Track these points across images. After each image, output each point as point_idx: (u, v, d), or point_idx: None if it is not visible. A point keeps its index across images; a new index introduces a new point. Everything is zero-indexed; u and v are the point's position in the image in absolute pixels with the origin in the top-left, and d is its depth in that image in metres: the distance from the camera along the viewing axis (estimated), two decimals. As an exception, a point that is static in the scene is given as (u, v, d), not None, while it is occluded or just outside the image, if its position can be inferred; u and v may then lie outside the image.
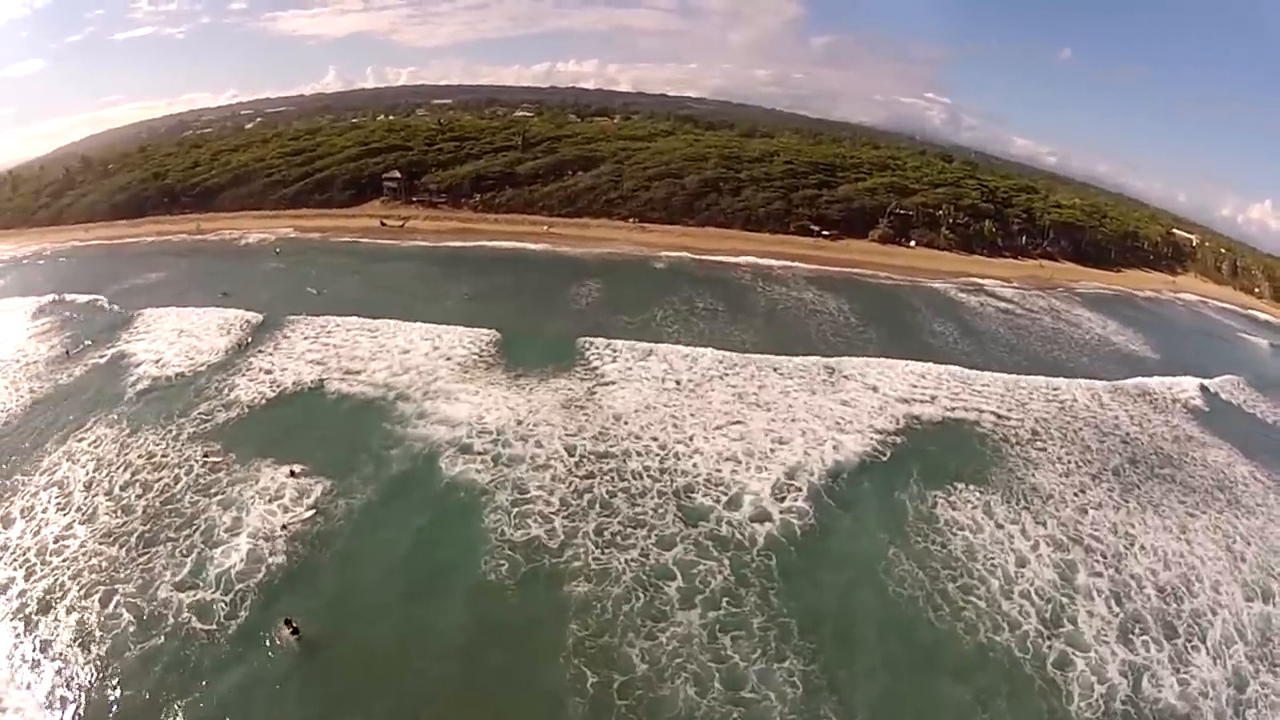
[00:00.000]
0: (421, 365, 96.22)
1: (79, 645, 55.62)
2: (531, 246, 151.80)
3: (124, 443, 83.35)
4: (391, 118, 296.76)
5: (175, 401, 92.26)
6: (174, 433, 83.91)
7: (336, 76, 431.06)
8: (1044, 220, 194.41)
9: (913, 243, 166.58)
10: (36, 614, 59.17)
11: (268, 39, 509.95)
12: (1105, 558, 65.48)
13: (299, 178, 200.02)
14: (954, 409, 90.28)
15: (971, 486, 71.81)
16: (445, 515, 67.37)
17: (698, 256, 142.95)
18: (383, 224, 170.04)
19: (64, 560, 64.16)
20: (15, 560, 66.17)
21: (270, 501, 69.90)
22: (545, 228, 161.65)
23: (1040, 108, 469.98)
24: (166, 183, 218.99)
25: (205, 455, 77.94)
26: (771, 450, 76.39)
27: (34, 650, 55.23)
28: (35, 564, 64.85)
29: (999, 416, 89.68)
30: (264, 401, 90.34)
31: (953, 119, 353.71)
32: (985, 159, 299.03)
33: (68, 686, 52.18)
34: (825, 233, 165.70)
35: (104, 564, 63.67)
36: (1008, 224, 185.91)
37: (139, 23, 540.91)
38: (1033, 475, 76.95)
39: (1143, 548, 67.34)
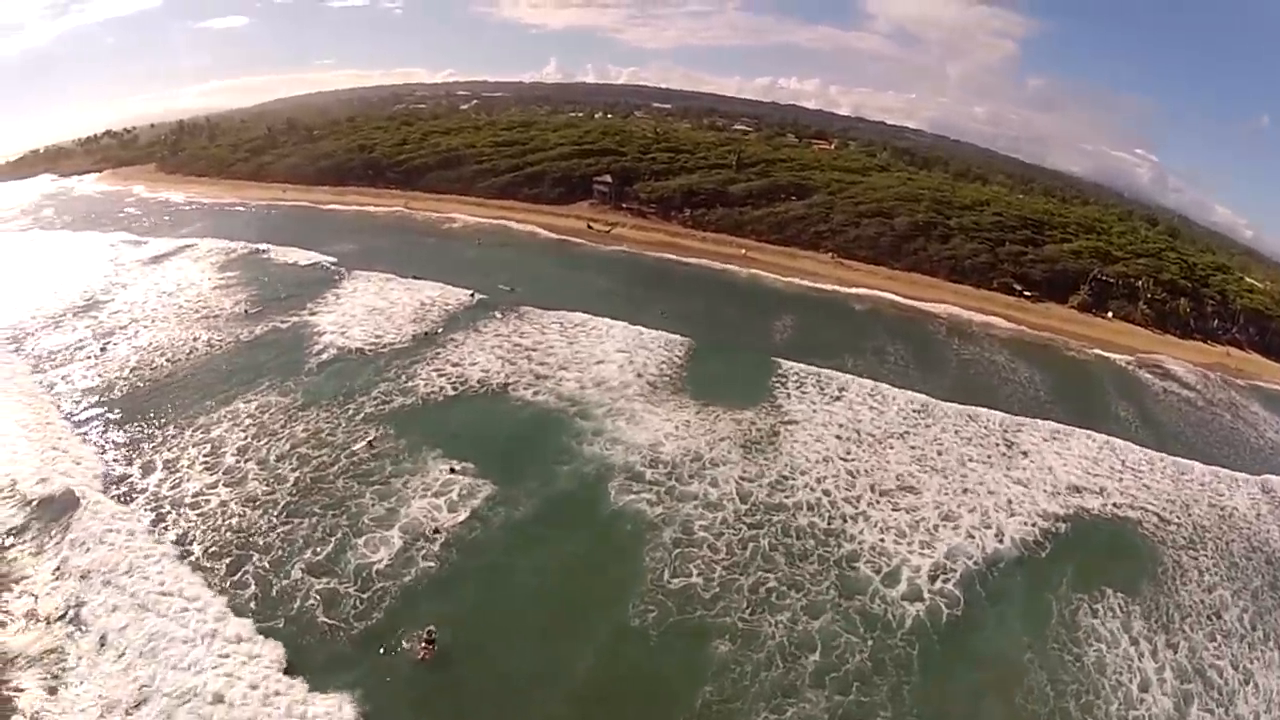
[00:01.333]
0: (611, 380, 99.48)
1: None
2: (734, 270, 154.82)
3: (292, 413, 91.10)
4: (609, 117, 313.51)
5: (354, 379, 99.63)
6: (346, 411, 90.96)
7: (557, 68, 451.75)
8: (1236, 304, 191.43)
9: (1110, 314, 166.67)
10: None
11: (489, 23, 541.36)
12: (1219, 695, 64.27)
13: (510, 169, 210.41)
14: (1121, 504, 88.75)
15: (1119, 594, 71.68)
16: (605, 546, 70.32)
17: (897, 302, 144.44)
18: (590, 226, 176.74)
19: (198, 516, 70.92)
20: (144, 505, 73.49)
21: (429, 499, 74.44)
22: (743, 251, 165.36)
23: (1244, 176, 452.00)
24: (373, 156, 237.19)
25: (371, 440, 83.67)
26: (938, 526, 77.32)
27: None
28: (166, 513, 71.78)
29: (1161, 519, 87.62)
30: (443, 396, 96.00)
31: (1159, 178, 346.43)
32: (1186, 224, 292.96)
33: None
34: (1027, 293, 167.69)
35: (239, 529, 69.96)
36: (1202, 304, 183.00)
37: None
38: (1178, 589, 75.56)
39: (1256, 686, 65.35)
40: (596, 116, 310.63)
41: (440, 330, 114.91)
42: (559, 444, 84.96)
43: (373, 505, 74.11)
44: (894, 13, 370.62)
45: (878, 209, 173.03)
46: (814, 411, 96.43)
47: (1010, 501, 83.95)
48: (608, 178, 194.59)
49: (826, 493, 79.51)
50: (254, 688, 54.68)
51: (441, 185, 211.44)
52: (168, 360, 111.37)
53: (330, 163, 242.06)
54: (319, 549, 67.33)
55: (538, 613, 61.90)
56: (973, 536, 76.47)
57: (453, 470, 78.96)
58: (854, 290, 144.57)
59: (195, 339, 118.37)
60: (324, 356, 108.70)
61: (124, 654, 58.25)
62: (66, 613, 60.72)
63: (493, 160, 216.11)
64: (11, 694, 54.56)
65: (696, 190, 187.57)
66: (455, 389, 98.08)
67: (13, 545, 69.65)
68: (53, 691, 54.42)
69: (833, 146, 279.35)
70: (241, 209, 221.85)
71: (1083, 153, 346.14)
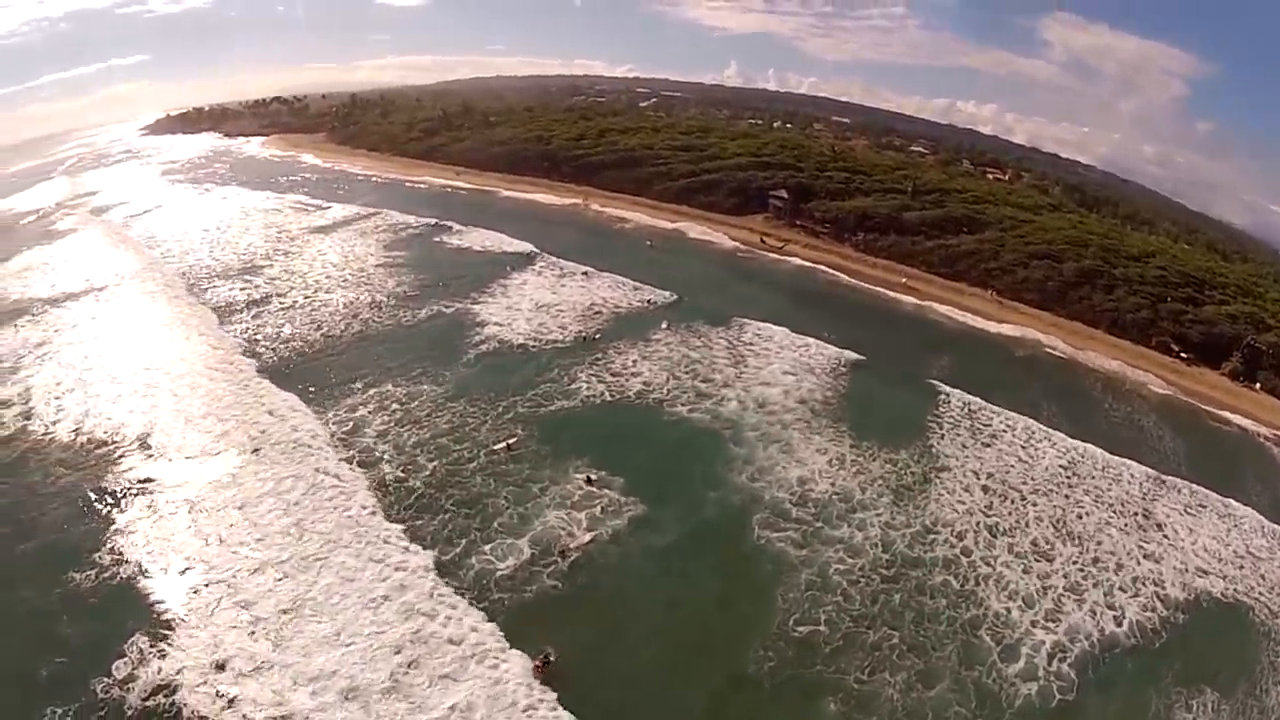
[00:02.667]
0: (773, 403, 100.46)
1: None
2: (901, 299, 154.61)
3: (440, 403, 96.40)
4: (789, 127, 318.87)
5: (510, 375, 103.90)
6: (496, 408, 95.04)
7: (738, 72, 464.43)
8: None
9: (1258, 384, 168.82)
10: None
11: (670, 21, 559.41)
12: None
13: (686, 174, 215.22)
14: (1244, 591, 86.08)
15: (1214, 693, 70.97)
16: (740, 584, 71.80)
17: (1056, 350, 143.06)
18: (763, 241, 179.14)
19: None
20: None
21: (566, 511, 77.44)
22: (904, 280, 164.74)
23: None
24: (550, 148, 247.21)
25: (511, 442, 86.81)
26: (1063, 598, 77.27)
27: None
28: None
29: (1272, 611, 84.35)
30: (599, 401, 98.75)
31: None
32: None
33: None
34: (1183, 354, 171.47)
35: (360, 515, 77.06)
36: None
37: None
38: (1269, 690, 74.22)
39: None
40: (775, 126, 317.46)
41: (605, 334, 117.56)
42: (710, 469, 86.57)
43: (506, 509, 77.74)
44: (1070, 42, 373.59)
45: (1046, 251, 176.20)
46: (965, 458, 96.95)
47: (1137, 580, 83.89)
48: (783, 193, 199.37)
49: (965, 550, 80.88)
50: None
51: (616, 184, 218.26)
52: (323, 335, 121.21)
53: (505, 150, 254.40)
54: (446, 549, 72.39)
55: (659, 648, 64.05)
56: (1094, 614, 76.96)
57: (589, 480, 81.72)
58: (1015, 333, 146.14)
59: (355, 316, 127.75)
60: (483, 348, 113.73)
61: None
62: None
63: (670, 164, 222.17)
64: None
65: (870, 214, 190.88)
66: (613, 397, 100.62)
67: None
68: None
69: (1006, 177, 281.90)
70: (413, 188, 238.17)
71: (1244, 204, 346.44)
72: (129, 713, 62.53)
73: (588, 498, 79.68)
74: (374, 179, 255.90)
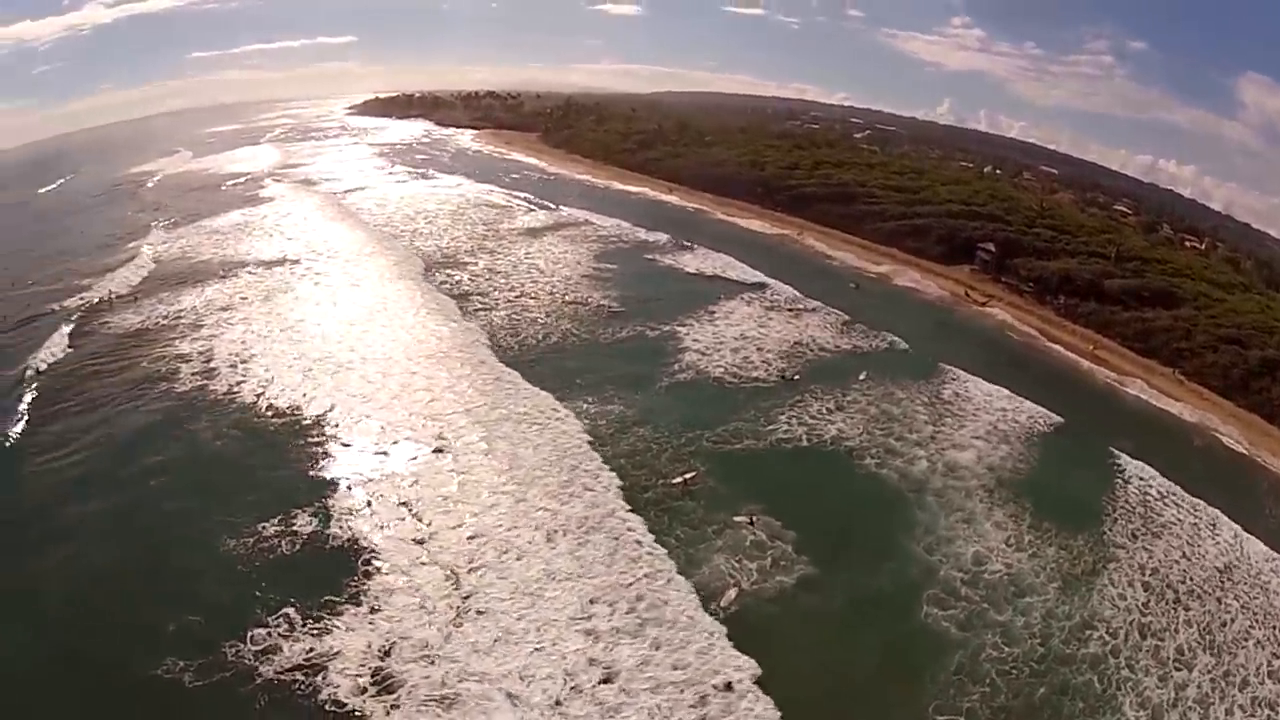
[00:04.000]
0: (962, 468, 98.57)
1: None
2: (1094, 370, 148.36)
3: (625, 426, 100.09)
4: (998, 173, 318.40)
5: (703, 408, 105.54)
6: (680, 439, 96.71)
7: (950, 110, 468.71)
8: None
9: None
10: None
11: (886, 52, 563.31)
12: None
13: (897, 216, 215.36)
14: None
15: None
16: (894, 663, 71.67)
17: (1235, 445, 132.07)
18: (966, 294, 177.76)
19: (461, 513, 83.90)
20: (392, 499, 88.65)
21: (733, 559, 78.72)
22: (1092, 347, 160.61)
23: None
24: (763, 174, 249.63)
25: (689, 477, 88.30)
26: (1190, 712, 75.16)
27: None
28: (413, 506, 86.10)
29: None
30: (789, 447, 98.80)
31: None
32: None
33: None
34: None
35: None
36: None
37: (750, 1, 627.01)
38: None
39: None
40: (985, 170, 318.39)
41: (806, 375, 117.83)
42: (890, 534, 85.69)
43: (675, 548, 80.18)
44: (1265, 105, 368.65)
45: (1234, 335, 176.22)
46: (1135, 549, 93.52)
47: (1255, 701, 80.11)
48: (990, 245, 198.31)
49: (1115, 650, 78.87)
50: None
51: (827, 218, 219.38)
52: (517, 342, 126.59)
53: (719, 172, 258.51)
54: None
55: (790, 720, 64.21)
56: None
57: (751, 521, 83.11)
58: (1194, 419, 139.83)
59: (554, 327, 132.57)
60: (679, 377, 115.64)
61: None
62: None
63: (882, 204, 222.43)
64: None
65: (1073, 277, 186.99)
66: (804, 444, 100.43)
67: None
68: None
69: (1203, 246, 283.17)
70: (626, 200, 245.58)
71: None
72: (256, 680, 66.13)
73: (759, 547, 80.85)
74: (587, 186, 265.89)
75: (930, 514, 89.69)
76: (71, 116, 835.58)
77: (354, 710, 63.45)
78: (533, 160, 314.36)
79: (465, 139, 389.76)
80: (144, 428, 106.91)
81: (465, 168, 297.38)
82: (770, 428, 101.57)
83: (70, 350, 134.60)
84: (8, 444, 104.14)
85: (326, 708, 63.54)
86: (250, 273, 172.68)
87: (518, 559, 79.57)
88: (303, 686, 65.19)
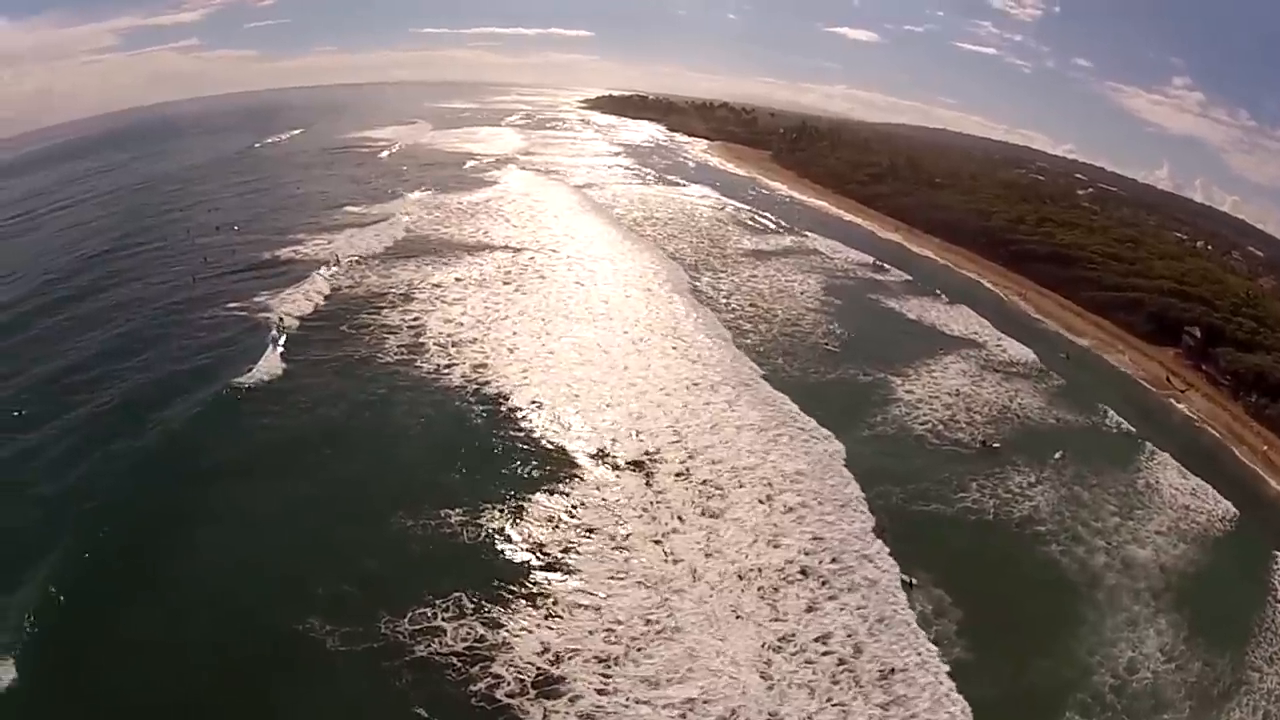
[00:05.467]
0: (1137, 566, 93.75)
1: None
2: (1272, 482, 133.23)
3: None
4: (1209, 249, 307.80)
5: (896, 461, 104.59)
6: (869, 493, 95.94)
7: (1168, 175, 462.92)
8: None
9: None
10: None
11: (1110, 107, 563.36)
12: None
13: (1112, 286, 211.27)
14: None
15: None
16: None
17: None
18: (1169, 379, 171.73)
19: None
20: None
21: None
22: (1265, 449, 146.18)
23: None
24: (988, 225, 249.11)
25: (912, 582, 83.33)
26: None
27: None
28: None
29: None
30: (975, 518, 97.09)
31: None
32: None
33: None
34: None
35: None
36: None
37: (983, 40, 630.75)
38: None
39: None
40: (1198, 245, 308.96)
41: (1008, 444, 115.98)
42: (1054, 628, 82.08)
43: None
44: None
45: None
46: (1269, 673, 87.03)
47: None
48: (1196, 330, 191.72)
49: None
50: None
51: (1044, 278, 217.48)
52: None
53: (945, 217, 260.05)
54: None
55: None
56: None
57: (912, 583, 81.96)
58: None
59: (765, 358, 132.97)
60: (881, 429, 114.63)
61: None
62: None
63: (1098, 271, 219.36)
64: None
65: (1268, 375, 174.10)
66: (990, 518, 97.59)
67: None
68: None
69: None
70: (854, 233, 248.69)
71: None
72: (406, 657, 66.65)
73: (923, 621, 78.14)
74: (816, 213, 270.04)
75: (1098, 612, 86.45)
76: (286, 72, 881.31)
77: (506, 706, 63.91)
78: (764, 179, 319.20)
79: (698, 148, 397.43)
80: (343, 392, 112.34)
81: (698, 178, 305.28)
82: (960, 495, 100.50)
83: (310, 306, 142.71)
84: (224, 392, 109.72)
85: (475, 699, 64.30)
86: (491, 254, 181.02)
87: (711, 592, 78.82)
88: (457, 672, 66.05)
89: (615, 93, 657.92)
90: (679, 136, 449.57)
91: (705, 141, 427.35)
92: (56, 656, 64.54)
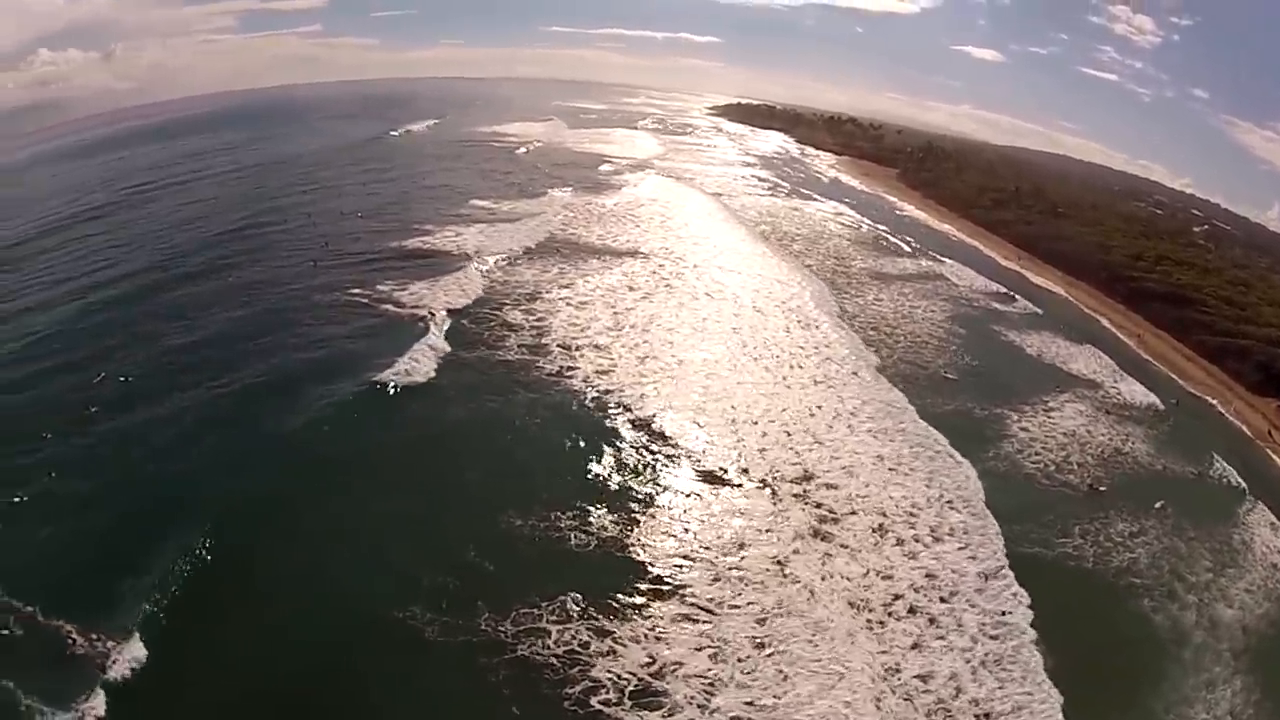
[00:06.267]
0: (1222, 626, 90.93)
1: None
2: None
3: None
4: None
5: (1003, 501, 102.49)
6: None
7: (1278, 215, 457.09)
8: None
9: None
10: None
11: (1224, 141, 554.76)
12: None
13: (1223, 331, 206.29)
14: None
15: None
16: None
17: None
18: (1270, 433, 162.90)
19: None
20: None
21: None
22: None
23: None
24: (1107, 259, 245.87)
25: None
26: None
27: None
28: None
29: None
30: (1074, 564, 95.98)
31: None
32: None
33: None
34: None
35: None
36: None
37: (1105, 66, 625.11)
38: None
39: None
40: None
41: (1115, 488, 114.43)
42: (1136, 684, 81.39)
43: None
44: None
45: None
46: None
47: None
48: None
49: None
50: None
51: (1160, 319, 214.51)
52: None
53: (1066, 248, 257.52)
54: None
55: None
56: None
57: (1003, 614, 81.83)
58: None
59: (877, 391, 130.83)
60: (991, 465, 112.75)
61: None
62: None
63: (1211, 315, 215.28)
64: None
65: None
66: (1091, 564, 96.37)
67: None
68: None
69: None
70: (979, 259, 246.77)
71: None
72: (504, 655, 67.82)
73: (1022, 669, 77.66)
74: (940, 236, 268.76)
75: (1181, 670, 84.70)
76: (409, 63, 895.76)
77: (600, 713, 64.14)
78: (891, 198, 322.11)
79: (826, 162, 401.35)
80: (459, 387, 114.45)
81: (826, 193, 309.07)
82: (1063, 540, 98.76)
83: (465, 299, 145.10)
84: (341, 382, 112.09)
85: (569, 703, 64.54)
86: (620, 259, 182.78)
87: (822, 619, 78.67)
88: (554, 675, 66.42)
89: (743, 101, 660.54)
90: (807, 149, 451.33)
91: (833, 156, 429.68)
92: (176, 633, 67.65)
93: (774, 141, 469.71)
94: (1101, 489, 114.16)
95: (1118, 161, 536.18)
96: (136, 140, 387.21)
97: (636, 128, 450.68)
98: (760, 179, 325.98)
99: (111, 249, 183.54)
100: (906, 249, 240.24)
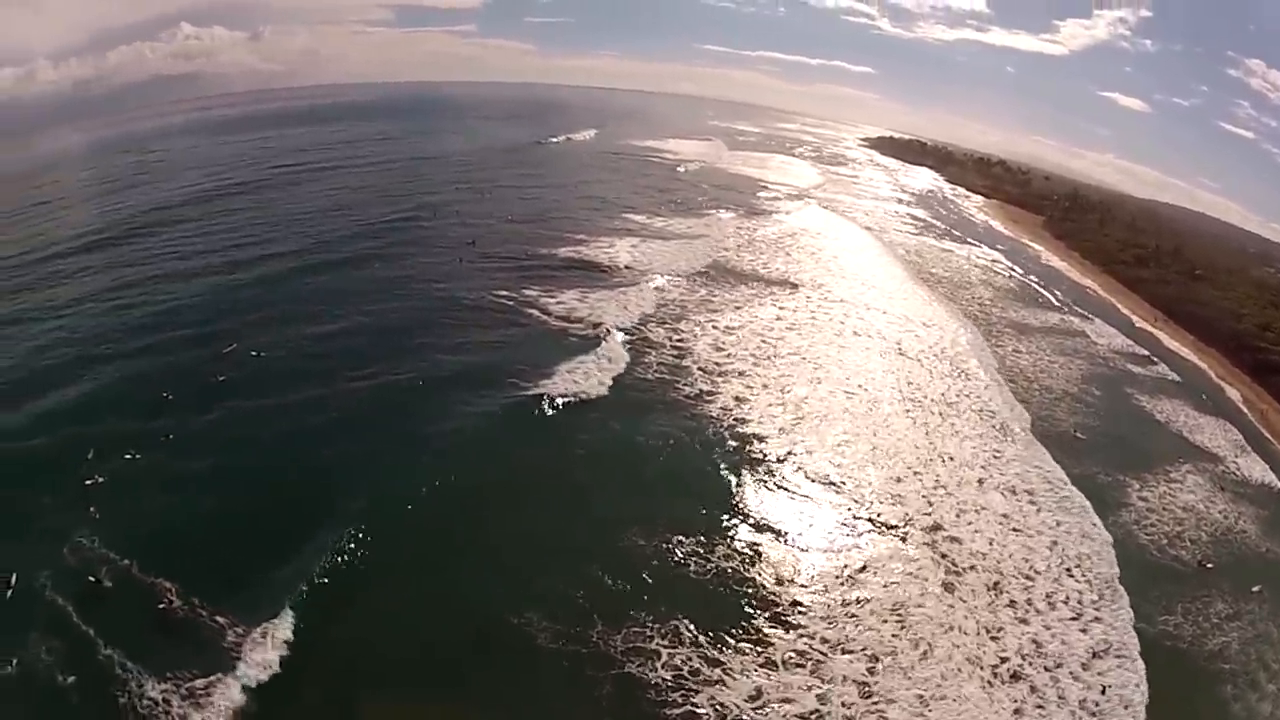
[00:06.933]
0: None
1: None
2: None
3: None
4: None
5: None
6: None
7: None
8: None
9: None
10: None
11: None
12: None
13: None
14: None
15: None
16: None
17: None
18: None
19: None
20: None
21: None
22: None
23: None
24: (1238, 328, 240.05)
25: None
26: None
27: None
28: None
29: None
30: (1170, 644, 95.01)
31: None
32: None
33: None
34: None
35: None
36: None
37: (1242, 122, 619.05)
38: None
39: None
40: None
41: (1220, 566, 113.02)
42: None
43: None
44: None
45: None
46: None
47: None
48: None
49: None
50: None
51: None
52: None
53: (1200, 312, 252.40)
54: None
55: None
56: None
57: (1103, 690, 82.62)
58: None
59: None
60: (1111, 531, 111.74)
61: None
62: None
63: None
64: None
65: None
66: (1185, 645, 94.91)
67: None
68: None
69: None
70: (1117, 316, 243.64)
71: None
72: (612, 670, 70.31)
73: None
74: (1081, 291, 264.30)
75: None
76: (562, 70, 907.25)
77: None
78: (1036, 246, 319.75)
79: (973, 204, 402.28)
80: (611, 401, 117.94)
81: (973, 236, 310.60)
82: (1165, 618, 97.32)
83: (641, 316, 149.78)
84: (485, 391, 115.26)
85: None
86: (769, 288, 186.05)
87: (928, 675, 79.59)
88: (659, 695, 68.34)
89: (895, 135, 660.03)
90: (956, 189, 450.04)
91: (981, 198, 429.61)
92: (323, 616, 72.84)
93: (925, 179, 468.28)
94: (1209, 565, 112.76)
95: (1253, 223, 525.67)
96: (284, 122, 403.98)
97: (794, 155, 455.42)
98: (913, 217, 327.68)
99: (255, 226, 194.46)
100: (1049, 301, 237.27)
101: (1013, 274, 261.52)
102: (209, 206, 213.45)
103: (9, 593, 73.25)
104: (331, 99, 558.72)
